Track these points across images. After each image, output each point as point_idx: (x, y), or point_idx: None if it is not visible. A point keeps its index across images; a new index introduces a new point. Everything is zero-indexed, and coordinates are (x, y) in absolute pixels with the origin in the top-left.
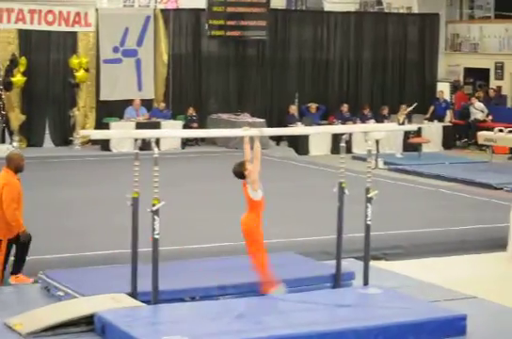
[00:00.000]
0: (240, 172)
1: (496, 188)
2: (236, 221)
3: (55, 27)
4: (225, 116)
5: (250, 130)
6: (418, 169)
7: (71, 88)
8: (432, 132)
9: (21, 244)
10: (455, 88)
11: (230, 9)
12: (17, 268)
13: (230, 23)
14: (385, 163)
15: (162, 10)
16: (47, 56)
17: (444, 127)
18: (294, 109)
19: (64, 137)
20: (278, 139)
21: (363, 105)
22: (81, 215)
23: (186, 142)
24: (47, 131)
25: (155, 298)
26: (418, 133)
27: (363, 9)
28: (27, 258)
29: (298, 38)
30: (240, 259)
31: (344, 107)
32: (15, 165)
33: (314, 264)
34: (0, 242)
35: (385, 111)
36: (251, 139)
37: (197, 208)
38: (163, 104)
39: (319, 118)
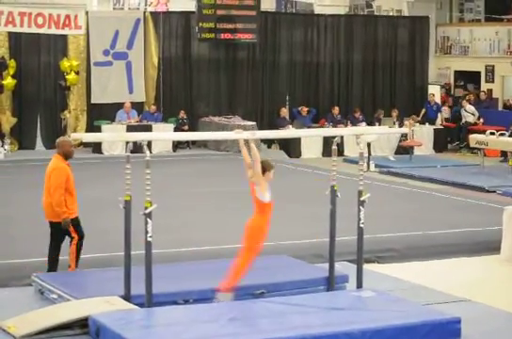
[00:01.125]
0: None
1: (488, 191)
2: (228, 224)
3: (45, 30)
4: (216, 119)
5: (243, 133)
6: (409, 171)
7: (61, 90)
8: (423, 135)
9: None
10: (445, 90)
11: (220, 12)
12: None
13: (220, 25)
14: (377, 166)
15: (152, 13)
16: (37, 58)
17: (436, 130)
18: (285, 112)
19: (55, 140)
20: (269, 142)
21: (354, 109)
22: None
23: (178, 145)
24: (38, 134)
25: (149, 300)
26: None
27: (353, 12)
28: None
29: (289, 40)
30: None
31: (336, 110)
32: (64, 151)
33: (308, 267)
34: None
35: (381, 115)
36: (247, 143)
37: (189, 211)
38: (154, 107)
39: (310, 121)
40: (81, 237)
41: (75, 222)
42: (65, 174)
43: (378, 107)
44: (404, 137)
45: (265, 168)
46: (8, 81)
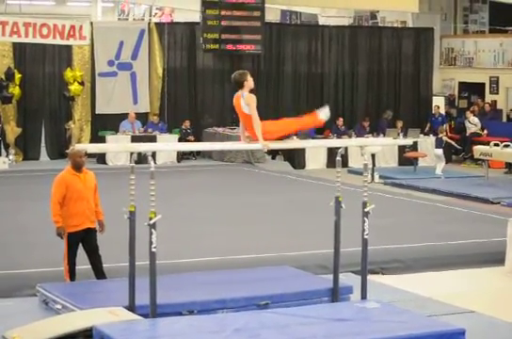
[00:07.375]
0: (241, 81)
1: (492, 203)
2: (233, 234)
3: (49, 40)
4: (220, 130)
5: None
6: (414, 183)
7: (66, 101)
8: (428, 146)
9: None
10: (450, 102)
11: (224, 23)
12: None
13: (224, 36)
14: (381, 177)
15: (156, 24)
16: (42, 69)
17: None
18: None
19: (60, 151)
20: (274, 153)
21: (364, 117)
22: None
23: (183, 156)
24: (43, 144)
25: (153, 311)
26: (414, 147)
27: (358, 24)
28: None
29: (293, 51)
30: (238, 273)
31: (340, 121)
32: (71, 161)
33: (312, 278)
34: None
35: (389, 116)
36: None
37: (194, 222)
38: (156, 118)
39: (314, 132)
40: (70, 257)
41: (72, 239)
42: (64, 186)
43: (383, 119)
44: (408, 148)
45: (242, 82)
46: (17, 91)
